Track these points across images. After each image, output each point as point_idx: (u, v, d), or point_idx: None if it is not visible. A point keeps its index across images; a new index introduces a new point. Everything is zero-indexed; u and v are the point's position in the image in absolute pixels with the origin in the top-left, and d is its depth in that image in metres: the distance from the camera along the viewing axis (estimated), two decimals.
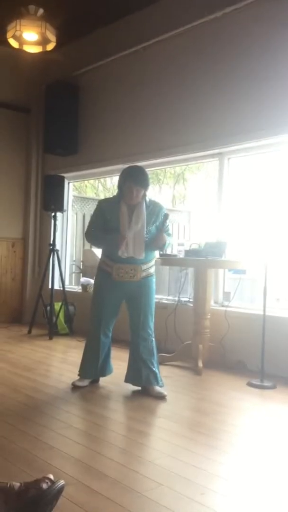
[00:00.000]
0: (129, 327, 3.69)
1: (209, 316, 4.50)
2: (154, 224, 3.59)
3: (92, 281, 5.73)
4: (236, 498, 2.09)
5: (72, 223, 7.09)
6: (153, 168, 5.85)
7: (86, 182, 10.76)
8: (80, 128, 6.32)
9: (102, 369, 3.74)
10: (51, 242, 5.98)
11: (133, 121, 5.69)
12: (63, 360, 4.78)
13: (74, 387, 3.65)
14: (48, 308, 5.88)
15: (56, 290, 5.95)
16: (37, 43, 4.92)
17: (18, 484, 1.86)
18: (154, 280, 3.68)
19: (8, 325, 6.40)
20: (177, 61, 5.23)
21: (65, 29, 5.28)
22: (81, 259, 7.25)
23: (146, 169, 3.75)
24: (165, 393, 3.51)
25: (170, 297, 5.40)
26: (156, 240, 3.57)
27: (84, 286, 6.15)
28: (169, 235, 3.73)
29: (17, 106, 6.71)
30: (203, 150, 5.03)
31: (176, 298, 5.05)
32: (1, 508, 1.78)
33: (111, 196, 4.03)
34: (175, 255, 4.91)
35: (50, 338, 5.60)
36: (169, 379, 3.93)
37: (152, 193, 11.08)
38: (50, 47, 4.97)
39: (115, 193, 3.75)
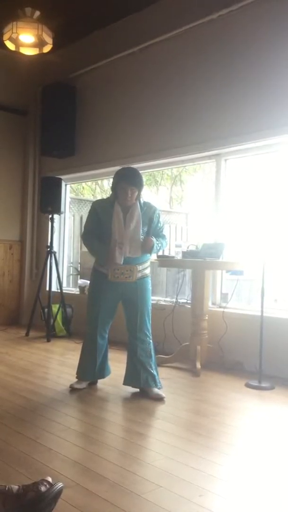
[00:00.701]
0: (126, 329, 3.69)
1: (207, 317, 4.51)
2: (148, 225, 3.59)
3: None
4: (235, 500, 2.09)
5: (69, 225, 7.08)
6: (150, 169, 5.86)
7: (83, 184, 10.76)
8: (77, 130, 6.32)
9: (100, 371, 3.74)
10: (49, 244, 5.97)
11: (130, 122, 5.69)
12: (61, 362, 4.77)
13: (72, 389, 3.65)
14: (46, 310, 5.87)
15: (54, 292, 5.95)
16: (34, 45, 4.93)
17: (16, 486, 1.86)
18: (149, 281, 3.68)
19: (5, 327, 6.39)
20: (174, 63, 5.24)
21: (62, 31, 5.29)
22: (79, 261, 7.24)
23: (143, 171, 3.77)
24: (164, 394, 3.51)
25: (168, 299, 5.40)
26: (143, 244, 3.55)
27: (82, 288, 6.14)
28: (163, 236, 3.74)
29: (14, 108, 6.71)
30: (200, 152, 5.03)
31: (174, 300, 5.05)
32: (0, 511, 1.78)
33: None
34: (172, 257, 4.91)
35: (48, 340, 5.59)
36: (167, 380, 3.93)
37: (149, 194, 11.07)
38: (46, 49, 4.97)
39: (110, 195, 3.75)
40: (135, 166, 5.09)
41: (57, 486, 1.87)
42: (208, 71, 4.91)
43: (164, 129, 5.32)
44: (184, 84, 5.14)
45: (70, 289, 6.62)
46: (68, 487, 2.08)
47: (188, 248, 4.90)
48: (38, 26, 4.71)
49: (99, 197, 11.31)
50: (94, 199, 9.59)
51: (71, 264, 7.18)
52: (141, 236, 3.55)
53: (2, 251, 6.74)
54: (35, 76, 6.67)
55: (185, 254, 4.70)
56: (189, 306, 4.68)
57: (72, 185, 7.28)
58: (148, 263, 3.67)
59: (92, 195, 12.00)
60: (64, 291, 6.04)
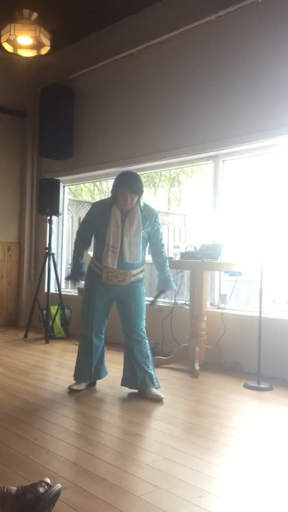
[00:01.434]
0: (121, 331, 3.69)
1: (205, 318, 4.51)
2: (147, 230, 3.59)
3: None
4: (233, 501, 2.09)
5: (67, 226, 7.08)
6: (148, 171, 5.87)
7: (81, 185, 10.76)
8: (75, 131, 6.32)
9: (96, 371, 3.74)
10: (47, 245, 5.97)
11: (128, 124, 5.70)
12: (59, 364, 4.77)
13: (71, 390, 3.65)
14: (44, 312, 5.87)
15: (52, 293, 5.94)
16: (32, 47, 4.93)
17: (15, 488, 1.85)
18: (143, 284, 3.67)
19: (4, 329, 6.38)
20: (172, 65, 5.24)
21: (60, 33, 5.29)
22: None
23: (141, 172, 3.77)
24: (162, 395, 3.51)
25: (166, 300, 5.39)
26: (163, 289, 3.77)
27: (80, 290, 6.13)
28: (162, 245, 3.75)
29: (12, 110, 6.71)
30: (198, 153, 5.04)
31: (172, 301, 5.06)
32: None
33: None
34: (171, 258, 4.91)
35: (47, 342, 5.59)
36: (165, 381, 3.93)
37: (148, 196, 11.09)
38: (44, 51, 4.97)
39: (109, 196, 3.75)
40: (133, 167, 5.13)
41: (55, 487, 1.87)
42: (206, 73, 4.92)
43: (162, 131, 5.33)
44: (181, 85, 5.15)
45: (68, 290, 6.61)
46: (67, 488, 2.08)
47: (186, 249, 4.91)
48: (36, 28, 4.71)
49: (97, 199, 11.31)
50: (93, 201, 9.60)
51: (70, 266, 7.17)
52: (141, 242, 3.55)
53: (0, 253, 6.74)
54: (33, 78, 6.68)
55: (183, 255, 4.70)
56: (188, 307, 4.68)
57: (71, 187, 7.28)
58: (142, 268, 3.66)
59: (91, 196, 12.01)
60: (62, 293, 6.04)
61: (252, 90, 4.53)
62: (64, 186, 6.55)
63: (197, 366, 4.25)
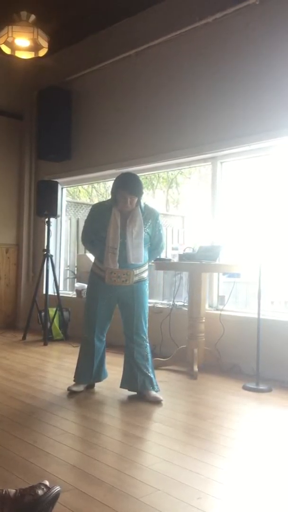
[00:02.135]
0: (123, 332, 3.69)
1: (204, 320, 4.51)
2: (147, 231, 3.59)
3: (86, 286, 5.73)
4: (232, 502, 2.08)
5: (66, 228, 7.08)
6: (146, 173, 5.87)
7: (80, 187, 10.77)
8: (73, 133, 6.32)
9: (97, 374, 3.73)
10: (45, 247, 5.97)
11: (126, 126, 5.70)
12: (58, 366, 4.76)
13: (70, 392, 3.64)
14: (43, 313, 5.86)
15: (51, 295, 5.94)
16: (29, 49, 4.92)
17: (14, 490, 1.85)
18: (147, 284, 3.67)
19: (2, 331, 6.38)
20: (170, 67, 5.25)
21: (58, 35, 5.28)
22: (76, 265, 7.24)
23: (139, 174, 3.77)
24: (161, 397, 3.51)
25: (164, 301, 5.40)
26: None
27: (79, 292, 6.14)
28: (161, 247, 3.78)
29: (10, 112, 6.71)
30: (196, 155, 5.04)
31: (171, 302, 5.06)
32: None
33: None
34: (169, 259, 4.92)
35: (45, 344, 5.58)
36: (164, 383, 3.93)
37: (146, 197, 11.09)
38: (42, 53, 4.97)
39: (108, 198, 3.75)
40: (131, 169, 5.13)
41: (54, 489, 1.86)
42: (204, 75, 4.92)
43: (160, 132, 5.33)
44: (179, 87, 5.15)
45: (67, 292, 6.61)
46: (66, 490, 2.07)
47: (184, 250, 4.91)
48: (34, 30, 4.71)
49: (95, 201, 11.34)
50: (91, 203, 9.62)
51: (68, 268, 7.17)
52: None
53: None
54: (31, 80, 6.67)
55: (181, 256, 4.70)
56: (186, 309, 4.68)
57: (69, 189, 7.29)
58: (146, 267, 3.66)
59: (89, 198, 12.01)
60: (61, 295, 6.04)
61: (250, 91, 4.54)
62: (62, 188, 6.54)
63: (195, 368, 4.25)
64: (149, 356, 3.66)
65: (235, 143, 4.66)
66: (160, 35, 5.20)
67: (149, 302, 3.78)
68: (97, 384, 3.81)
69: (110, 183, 3.75)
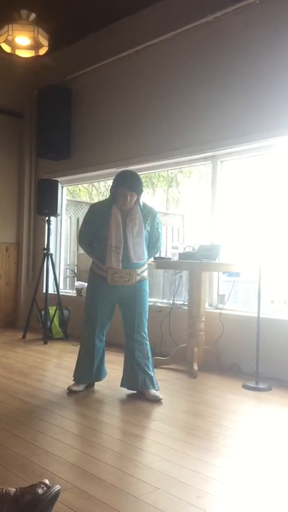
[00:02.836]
0: (123, 331, 3.69)
1: (203, 319, 4.51)
2: (146, 229, 3.59)
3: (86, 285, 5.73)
4: (232, 501, 2.09)
5: (66, 227, 7.08)
6: (146, 171, 5.87)
7: (80, 186, 10.76)
8: (73, 132, 6.32)
9: (97, 373, 3.73)
10: (45, 246, 5.97)
11: (126, 125, 5.70)
12: (58, 364, 4.77)
13: (70, 392, 3.64)
14: (43, 312, 5.86)
15: (51, 294, 5.94)
16: (30, 47, 4.92)
17: (13, 489, 1.85)
18: (147, 283, 3.68)
19: (2, 330, 6.38)
20: (169, 65, 5.25)
21: (58, 34, 5.28)
22: (76, 263, 7.24)
23: (139, 173, 3.77)
24: (161, 396, 3.51)
25: (164, 300, 5.40)
26: None
27: (79, 290, 6.14)
28: (159, 247, 3.78)
29: (10, 111, 6.71)
30: (196, 153, 5.04)
31: (171, 301, 5.06)
32: None
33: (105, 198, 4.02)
34: (169, 258, 4.92)
35: (45, 343, 5.58)
36: (164, 382, 3.93)
37: (146, 196, 11.08)
38: (42, 51, 4.97)
39: (108, 197, 3.74)
40: (131, 168, 5.12)
41: (54, 488, 1.87)
42: (204, 74, 4.92)
43: (160, 131, 5.33)
44: (179, 86, 5.15)
45: (67, 291, 6.62)
46: (66, 489, 2.08)
47: (184, 249, 4.91)
48: (34, 28, 4.71)
49: (95, 199, 11.33)
50: (91, 201, 9.61)
51: (68, 266, 7.18)
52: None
53: None
54: (30, 79, 6.67)
55: (181, 255, 4.70)
56: (186, 308, 4.68)
57: (69, 187, 7.28)
58: (146, 266, 3.67)
59: (89, 197, 12.00)
60: (61, 293, 6.03)
61: (250, 90, 4.53)
62: (62, 187, 6.54)
63: (195, 367, 4.25)
64: (150, 354, 3.66)
65: (235, 142, 4.66)
66: (160, 34, 5.20)
67: (149, 301, 3.78)
68: (96, 383, 3.81)
69: (110, 182, 3.74)
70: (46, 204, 6.02)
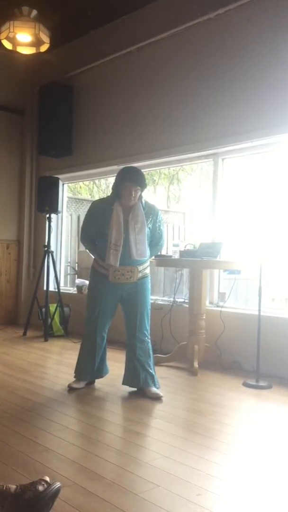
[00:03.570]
0: (125, 329, 3.69)
1: (204, 317, 4.51)
2: (148, 226, 3.59)
3: (87, 282, 5.73)
4: (232, 499, 2.09)
5: (67, 224, 7.08)
6: (147, 169, 5.85)
7: (80, 183, 10.75)
8: (74, 129, 6.31)
9: (98, 370, 3.73)
10: (46, 243, 5.97)
11: (128, 122, 5.69)
12: (58, 361, 4.77)
13: (71, 389, 3.65)
14: (43, 309, 5.86)
15: (51, 291, 5.94)
16: (31, 44, 4.92)
17: (14, 486, 1.85)
18: (149, 280, 3.67)
19: (3, 327, 6.38)
20: (172, 62, 5.24)
21: (59, 31, 5.28)
22: (76, 261, 7.24)
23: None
24: (162, 394, 3.51)
25: (165, 298, 5.40)
26: None
27: (79, 288, 6.14)
28: (161, 245, 3.78)
29: (11, 108, 6.70)
30: (197, 151, 5.03)
31: (172, 299, 5.06)
32: None
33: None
34: (170, 256, 4.92)
35: (46, 340, 5.59)
36: (165, 380, 3.93)
37: (147, 194, 11.06)
38: (43, 48, 4.96)
39: (109, 194, 3.74)
40: (132, 165, 5.10)
41: (55, 485, 1.87)
42: (205, 71, 4.91)
43: (161, 129, 5.32)
44: (181, 83, 5.14)
45: (67, 288, 6.62)
46: (66, 486, 2.08)
47: (185, 247, 4.91)
48: (35, 25, 4.71)
49: (96, 197, 11.31)
50: (92, 199, 9.60)
51: (69, 264, 7.18)
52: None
53: None
54: (32, 76, 6.67)
55: (182, 253, 4.70)
56: (187, 306, 4.68)
57: (70, 185, 7.28)
58: (148, 263, 3.67)
59: (90, 194, 11.99)
60: (61, 291, 6.04)
61: (251, 88, 4.52)
62: (63, 184, 6.54)
63: (196, 364, 4.25)
64: (151, 352, 3.66)
65: (236, 140, 4.65)
66: (162, 31, 5.19)
67: (151, 298, 3.77)
68: (97, 380, 3.81)
69: (111, 179, 3.75)
70: (47, 201, 6.02)
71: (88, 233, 3.71)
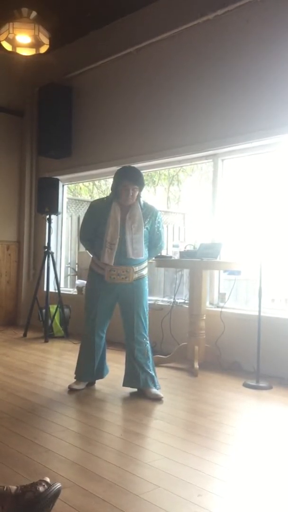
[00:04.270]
0: (123, 330, 3.68)
1: (204, 317, 4.51)
2: (146, 227, 3.58)
3: None
4: (233, 499, 2.09)
5: (67, 225, 7.08)
6: (147, 170, 5.86)
7: (80, 184, 10.75)
8: (74, 130, 6.32)
9: (98, 371, 3.73)
10: (46, 244, 5.97)
11: (127, 123, 5.69)
12: (58, 362, 4.77)
13: (71, 390, 3.64)
14: (44, 310, 5.86)
15: (51, 292, 5.94)
16: (30, 45, 4.92)
17: (14, 487, 1.85)
18: (146, 281, 3.66)
19: (3, 328, 6.38)
20: (171, 63, 5.24)
21: (58, 32, 5.28)
22: (76, 262, 7.23)
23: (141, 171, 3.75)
24: (162, 395, 3.51)
25: (165, 299, 5.40)
26: None
27: (80, 289, 6.14)
28: (160, 247, 3.78)
29: (11, 109, 6.71)
30: (197, 152, 5.03)
31: (172, 300, 5.06)
32: None
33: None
34: (170, 257, 4.92)
35: (46, 341, 5.58)
36: (165, 380, 3.93)
37: (147, 194, 11.06)
38: (43, 49, 4.96)
39: (109, 195, 3.74)
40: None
41: (55, 486, 1.87)
42: (205, 71, 4.91)
43: (161, 129, 5.32)
44: (180, 84, 5.14)
45: (67, 289, 6.62)
46: (66, 487, 2.08)
47: (185, 248, 4.91)
48: (35, 26, 4.71)
49: (96, 198, 11.30)
50: (92, 200, 9.60)
51: (69, 265, 7.18)
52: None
53: None
54: (31, 77, 6.67)
55: (182, 254, 4.70)
56: (187, 306, 4.68)
57: (69, 186, 7.28)
58: (145, 264, 3.66)
59: (90, 195, 11.99)
60: (61, 292, 6.03)
61: (251, 88, 4.53)
62: (63, 185, 6.55)
63: (196, 365, 4.25)
64: (150, 353, 3.66)
65: (236, 141, 4.65)
66: (161, 32, 5.19)
67: (150, 299, 3.77)
68: (97, 381, 3.81)
69: (111, 180, 3.75)
70: (47, 202, 6.02)
71: (87, 232, 3.72)
